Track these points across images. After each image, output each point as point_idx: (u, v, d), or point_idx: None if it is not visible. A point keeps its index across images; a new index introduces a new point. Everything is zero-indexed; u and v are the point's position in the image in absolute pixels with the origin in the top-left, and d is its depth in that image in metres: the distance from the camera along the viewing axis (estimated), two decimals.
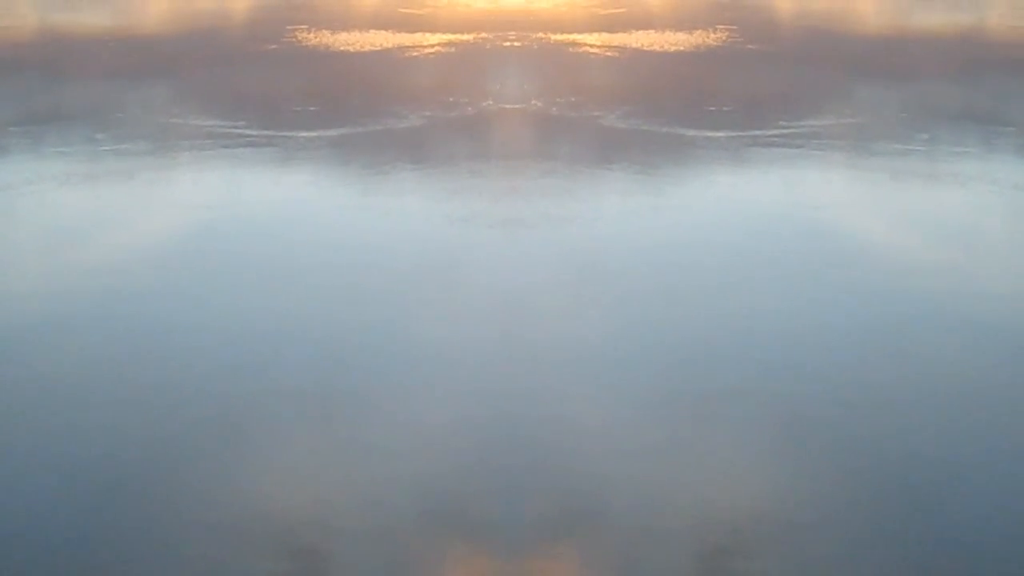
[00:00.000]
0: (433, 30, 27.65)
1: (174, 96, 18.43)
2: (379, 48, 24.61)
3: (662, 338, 7.90)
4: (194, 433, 6.40)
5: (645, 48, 24.44)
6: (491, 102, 17.49)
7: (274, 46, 25.24)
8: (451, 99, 17.61)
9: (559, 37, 26.00)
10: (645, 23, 29.39)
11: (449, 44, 25.04)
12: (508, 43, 24.76)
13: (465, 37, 26.09)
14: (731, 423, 6.54)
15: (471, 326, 8.10)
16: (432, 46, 24.86)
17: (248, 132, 15.37)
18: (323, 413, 6.69)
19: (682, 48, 24.59)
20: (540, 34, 26.38)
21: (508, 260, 9.63)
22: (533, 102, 17.37)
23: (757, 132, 15.36)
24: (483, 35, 26.24)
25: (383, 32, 27.49)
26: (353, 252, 9.97)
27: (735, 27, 28.82)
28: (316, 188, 12.61)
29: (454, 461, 6.06)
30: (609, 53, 23.67)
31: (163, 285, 9.03)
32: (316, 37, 26.65)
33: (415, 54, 23.66)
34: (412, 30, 27.77)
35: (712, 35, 26.87)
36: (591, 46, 24.77)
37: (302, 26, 28.95)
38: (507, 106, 17.19)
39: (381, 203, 11.83)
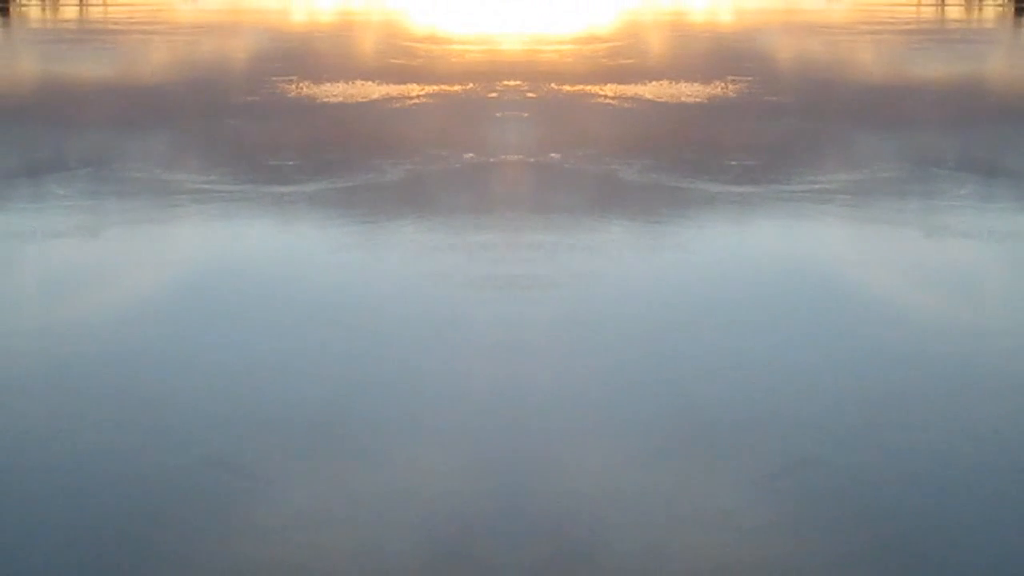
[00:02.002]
0: (436, 81, 27.32)
1: (146, 149, 18.03)
2: (377, 98, 24.29)
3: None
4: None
5: (660, 99, 24.10)
6: (503, 155, 17.13)
7: (255, 97, 24.91)
8: (461, 152, 17.23)
9: (569, 88, 25.69)
10: (657, 74, 29.07)
11: (453, 95, 24.72)
12: (515, 95, 24.38)
13: (468, 87, 25.76)
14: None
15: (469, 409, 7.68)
16: (435, 97, 24.56)
17: (221, 187, 15.01)
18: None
19: (699, 99, 24.27)
20: (550, 85, 26.04)
21: (528, 323, 9.42)
22: (551, 155, 16.96)
23: (782, 187, 15.01)
24: (486, 86, 25.90)
25: (384, 84, 27.18)
26: (323, 311, 9.71)
27: (750, 78, 28.50)
28: (288, 245, 12.29)
29: None
30: (624, 104, 23.33)
31: (108, 346, 8.86)
32: (300, 88, 26.31)
33: (416, 103, 23.33)
34: (406, 81, 27.44)
35: (728, 86, 26.55)
36: (604, 97, 24.46)
37: (288, 77, 28.63)
38: (519, 158, 16.85)
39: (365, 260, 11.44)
